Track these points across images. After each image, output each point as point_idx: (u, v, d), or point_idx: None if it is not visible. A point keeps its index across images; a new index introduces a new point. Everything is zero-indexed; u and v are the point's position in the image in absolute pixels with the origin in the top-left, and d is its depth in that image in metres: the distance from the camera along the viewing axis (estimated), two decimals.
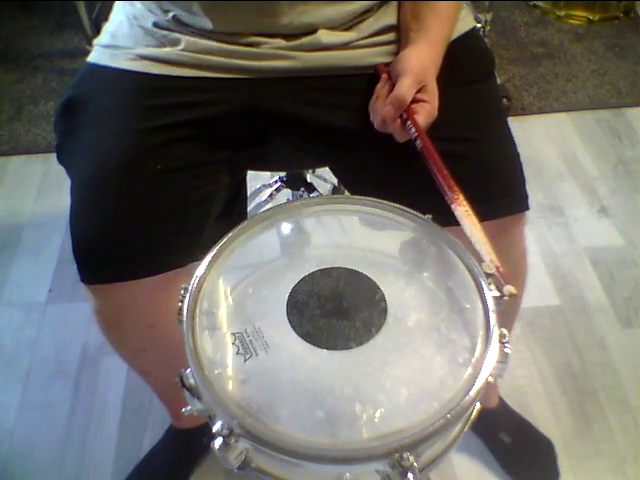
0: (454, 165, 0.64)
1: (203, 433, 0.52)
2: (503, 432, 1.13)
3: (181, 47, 0.79)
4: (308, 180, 1.26)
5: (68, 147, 0.81)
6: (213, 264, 0.60)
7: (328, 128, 0.81)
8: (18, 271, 1.50)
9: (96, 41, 0.87)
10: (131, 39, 0.82)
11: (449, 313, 0.57)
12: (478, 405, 0.53)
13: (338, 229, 0.66)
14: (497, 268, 0.56)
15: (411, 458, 0.46)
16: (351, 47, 0.80)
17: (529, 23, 2.18)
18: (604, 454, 1.15)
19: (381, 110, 0.71)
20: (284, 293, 0.58)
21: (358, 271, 0.60)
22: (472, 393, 0.49)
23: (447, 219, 0.61)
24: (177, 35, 0.79)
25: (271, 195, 1.32)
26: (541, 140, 1.78)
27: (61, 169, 0.81)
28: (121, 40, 0.83)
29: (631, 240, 1.51)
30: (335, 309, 0.57)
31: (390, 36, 0.81)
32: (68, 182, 0.78)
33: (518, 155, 0.82)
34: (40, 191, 1.69)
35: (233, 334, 0.55)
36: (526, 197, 0.80)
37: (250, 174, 0.94)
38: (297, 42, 0.79)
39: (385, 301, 0.57)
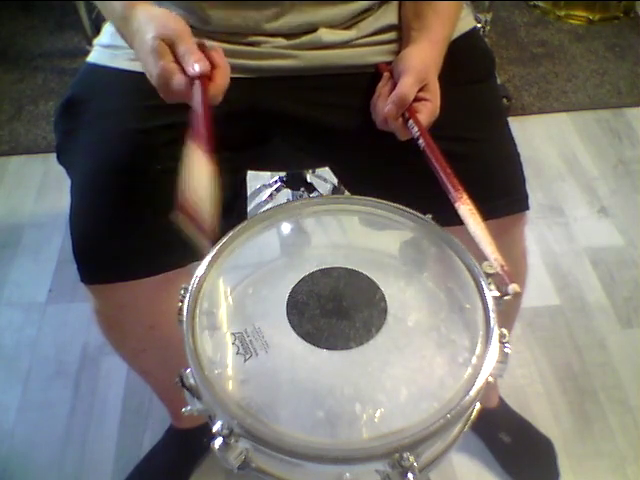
0: (454, 165, 0.63)
1: (203, 433, 0.52)
2: (503, 432, 1.13)
3: None
4: (308, 180, 1.26)
5: (68, 147, 0.81)
6: (213, 264, 0.60)
7: (328, 128, 0.81)
8: (18, 271, 1.50)
9: (96, 41, 0.87)
10: None
11: (449, 313, 0.57)
12: (478, 405, 0.53)
13: (338, 229, 0.66)
14: (502, 267, 0.55)
15: (411, 458, 0.46)
16: (352, 46, 0.80)
17: (529, 23, 2.19)
18: (604, 454, 1.15)
19: (383, 109, 0.71)
20: (284, 293, 0.58)
21: (358, 271, 0.60)
22: (472, 393, 0.49)
23: (447, 219, 0.61)
24: None
25: (271, 195, 1.32)
26: (541, 140, 1.78)
27: (61, 169, 0.81)
28: (121, 40, 0.83)
29: (631, 240, 1.51)
30: (335, 309, 0.57)
31: (390, 35, 0.81)
32: (68, 182, 0.78)
33: (518, 155, 0.82)
34: (40, 191, 1.69)
35: (233, 334, 0.55)
36: (526, 197, 0.80)
37: (250, 174, 0.94)
38: (298, 41, 0.79)
39: (385, 301, 0.57)
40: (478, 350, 0.53)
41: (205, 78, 0.61)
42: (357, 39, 0.80)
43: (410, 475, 0.46)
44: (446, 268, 0.60)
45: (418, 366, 0.53)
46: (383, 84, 0.75)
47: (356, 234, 0.67)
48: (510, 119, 0.85)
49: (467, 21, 0.86)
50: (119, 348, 0.90)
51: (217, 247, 0.60)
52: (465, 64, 0.82)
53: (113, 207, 0.74)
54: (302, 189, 1.24)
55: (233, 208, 0.85)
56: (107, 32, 0.86)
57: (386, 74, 0.76)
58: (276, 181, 1.30)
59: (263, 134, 0.86)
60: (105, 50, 0.84)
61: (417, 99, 0.70)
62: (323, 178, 1.38)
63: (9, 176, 1.75)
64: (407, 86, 0.70)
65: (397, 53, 0.78)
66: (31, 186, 1.70)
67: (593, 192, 1.63)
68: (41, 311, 1.41)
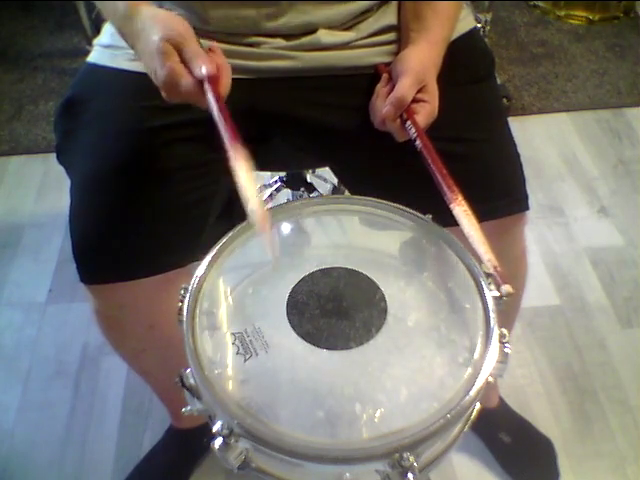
0: (454, 165, 0.64)
1: (203, 433, 0.52)
2: (503, 432, 1.13)
3: None
4: (308, 180, 1.26)
5: (68, 147, 0.81)
6: (213, 264, 0.60)
7: (328, 128, 0.81)
8: (18, 271, 1.50)
9: (96, 41, 0.87)
10: None
11: (449, 313, 0.57)
12: (478, 405, 0.53)
13: (338, 229, 0.66)
14: (495, 268, 0.56)
15: (411, 458, 0.46)
16: (351, 47, 0.80)
17: (529, 23, 2.19)
18: (604, 454, 1.15)
19: (381, 110, 0.71)
20: (284, 293, 0.58)
21: (358, 271, 0.60)
22: (472, 393, 0.49)
23: (447, 219, 0.61)
24: None
25: (271, 195, 1.32)
26: (541, 140, 1.78)
27: (61, 169, 0.81)
28: (121, 40, 0.83)
29: (631, 240, 1.51)
30: (335, 309, 0.57)
31: (390, 36, 0.81)
32: (68, 182, 0.78)
33: (518, 155, 0.82)
34: (40, 191, 1.69)
35: (233, 334, 0.55)
36: (526, 197, 0.80)
37: None
38: (297, 42, 0.79)
39: (385, 301, 0.57)
40: (478, 350, 0.53)
41: (214, 79, 0.62)
42: (356, 40, 0.80)
43: (410, 475, 0.46)
44: (446, 268, 0.60)
45: (418, 366, 0.53)
46: (382, 85, 0.75)
47: (356, 234, 0.67)
48: (510, 119, 0.85)
49: (467, 21, 0.86)
50: (119, 348, 0.90)
51: (217, 247, 0.60)
52: (465, 64, 0.82)
53: (113, 207, 0.74)
54: (302, 189, 1.24)
55: (233, 208, 0.85)
56: (107, 32, 0.85)
57: (385, 75, 0.76)
58: (276, 181, 1.30)
59: (263, 134, 0.86)
60: (105, 50, 0.84)
61: (415, 100, 0.70)
62: (323, 178, 1.38)
63: (9, 176, 1.75)
64: (405, 87, 0.70)
65: (396, 54, 0.78)
66: (31, 186, 1.70)
67: (593, 192, 1.63)
68: (41, 311, 1.41)
